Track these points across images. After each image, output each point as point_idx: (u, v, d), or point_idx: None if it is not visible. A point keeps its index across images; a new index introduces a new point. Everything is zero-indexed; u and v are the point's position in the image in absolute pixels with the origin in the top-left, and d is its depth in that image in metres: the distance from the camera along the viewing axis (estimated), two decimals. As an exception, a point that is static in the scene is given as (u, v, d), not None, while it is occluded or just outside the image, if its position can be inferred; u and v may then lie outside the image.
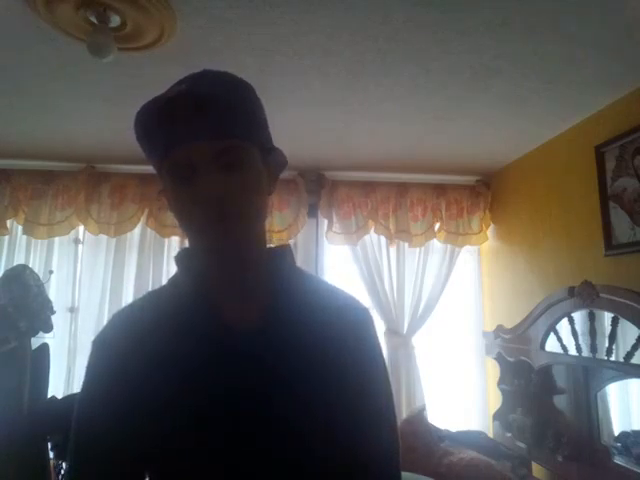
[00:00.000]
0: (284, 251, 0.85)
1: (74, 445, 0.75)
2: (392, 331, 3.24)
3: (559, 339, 2.36)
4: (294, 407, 0.73)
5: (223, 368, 0.72)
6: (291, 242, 3.23)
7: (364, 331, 0.84)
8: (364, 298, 3.15)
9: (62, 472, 2.48)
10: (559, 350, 2.34)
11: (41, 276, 2.81)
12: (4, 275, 2.69)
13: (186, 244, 0.83)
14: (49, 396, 2.60)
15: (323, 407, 0.75)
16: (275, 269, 0.81)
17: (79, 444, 0.75)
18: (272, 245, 0.86)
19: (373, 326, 0.86)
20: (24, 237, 3.16)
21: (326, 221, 3.33)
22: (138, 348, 0.74)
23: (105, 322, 0.81)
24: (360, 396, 0.79)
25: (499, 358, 2.89)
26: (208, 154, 0.70)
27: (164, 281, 3.06)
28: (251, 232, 0.76)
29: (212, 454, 0.71)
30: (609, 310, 2.06)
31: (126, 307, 0.83)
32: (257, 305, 0.77)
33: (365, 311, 0.87)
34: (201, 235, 0.74)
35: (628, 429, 2.18)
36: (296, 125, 2.56)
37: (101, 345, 0.78)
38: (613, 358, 2.03)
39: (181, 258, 0.83)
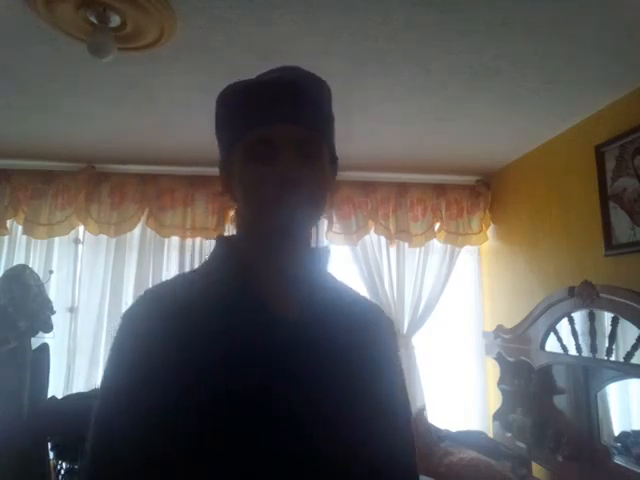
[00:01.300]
0: (327, 252, 0.86)
1: (104, 416, 0.71)
2: (392, 331, 3.24)
3: (559, 339, 2.36)
4: (335, 395, 0.73)
5: (268, 353, 0.71)
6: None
7: (391, 337, 0.89)
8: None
9: (62, 472, 2.48)
10: (559, 350, 2.34)
11: (41, 276, 2.81)
12: (4, 275, 2.69)
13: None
14: (49, 396, 2.60)
15: (358, 399, 0.76)
16: (315, 265, 0.83)
17: (110, 417, 0.70)
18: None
19: (395, 328, 0.92)
20: (24, 237, 3.16)
21: (326, 221, 3.34)
22: (174, 327, 0.70)
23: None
24: (387, 393, 0.81)
25: (499, 358, 2.89)
26: (292, 137, 0.73)
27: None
28: (311, 220, 0.79)
29: (257, 436, 0.68)
30: (609, 310, 2.06)
31: (158, 285, 0.81)
32: (298, 294, 0.78)
33: (391, 320, 0.92)
34: (267, 213, 0.74)
35: (628, 429, 2.18)
36: (296, 125, 2.56)
37: (134, 320, 0.73)
38: (613, 358, 2.03)
39: (223, 242, 0.83)
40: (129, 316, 0.74)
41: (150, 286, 0.81)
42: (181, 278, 0.83)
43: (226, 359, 0.69)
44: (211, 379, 0.68)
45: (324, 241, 3.34)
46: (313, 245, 0.86)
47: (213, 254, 0.83)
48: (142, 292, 0.79)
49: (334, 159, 0.84)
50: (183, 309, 0.72)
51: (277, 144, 0.73)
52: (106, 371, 0.72)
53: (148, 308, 0.74)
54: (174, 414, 0.66)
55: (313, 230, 0.85)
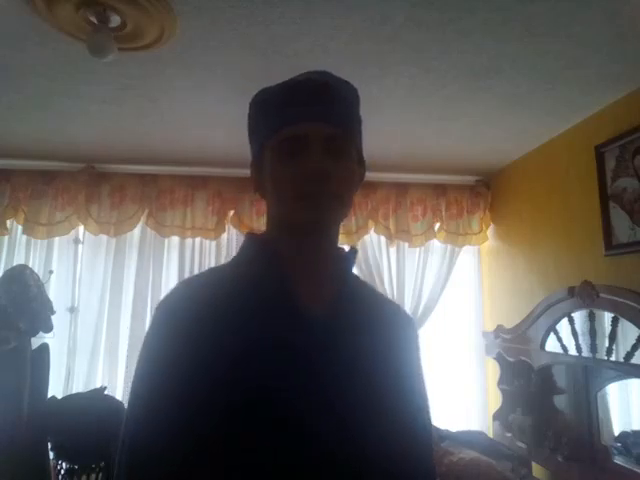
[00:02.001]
0: (354, 252, 0.88)
1: (140, 412, 0.71)
2: (392, 331, 3.24)
3: (559, 339, 2.36)
4: (354, 389, 0.74)
5: (299, 350, 0.73)
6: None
7: (414, 332, 0.91)
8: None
9: (62, 472, 2.48)
10: (559, 350, 2.34)
11: (41, 276, 2.82)
12: (4, 275, 2.69)
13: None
14: (49, 396, 2.60)
15: (383, 399, 0.77)
16: (343, 263, 0.85)
17: (144, 410, 0.71)
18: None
19: (417, 329, 0.94)
20: (24, 237, 3.16)
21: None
22: (209, 320, 0.72)
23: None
24: (409, 395, 0.83)
25: (499, 358, 2.89)
26: (320, 134, 0.76)
27: (164, 281, 3.07)
28: (338, 216, 0.81)
29: (288, 427, 0.70)
30: (609, 310, 2.06)
31: (191, 278, 0.85)
32: (326, 291, 0.80)
33: (414, 323, 0.95)
34: (292, 209, 0.77)
35: (628, 429, 2.18)
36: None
37: (169, 312, 0.75)
38: (613, 358, 2.03)
39: (254, 238, 0.86)
40: (163, 308, 0.76)
41: (186, 278, 0.86)
42: (214, 272, 0.86)
43: (258, 356, 0.70)
44: (243, 376, 0.69)
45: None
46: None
47: (243, 250, 0.86)
48: (184, 280, 0.84)
49: (361, 160, 0.86)
50: (216, 304, 0.74)
51: (306, 141, 0.76)
52: (139, 363, 0.74)
53: (183, 302, 0.75)
54: (207, 409, 0.68)
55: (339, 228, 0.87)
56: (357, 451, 0.72)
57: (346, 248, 0.88)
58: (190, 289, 0.79)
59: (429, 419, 0.87)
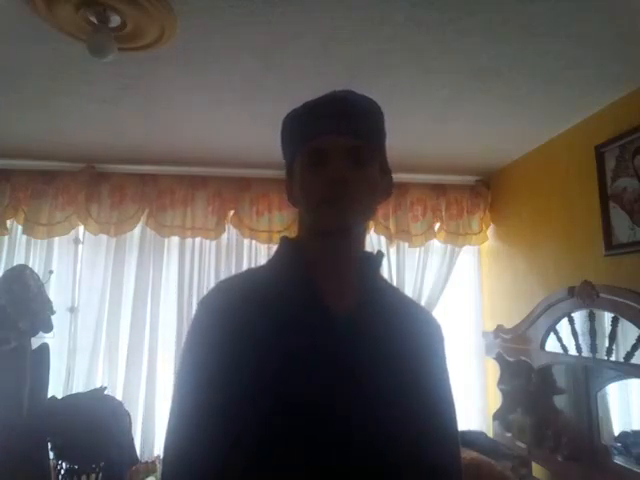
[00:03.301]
0: (380, 255, 0.93)
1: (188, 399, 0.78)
2: (392, 331, 3.24)
3: (559, 339, 2.36)
4: (380, 391, 0.78)
5: (324, 347, 0.78)
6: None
7: (440, 334, 0.94)
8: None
9: (62, 472, 2.48)
10: (559, 350, 2.34)
11: (41, 276, 2.82)
12: (4, 275, 2.69)
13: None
14: (49, 396, 2.60)
15: (406, 396, 0.80)
16: (370, 266, 0.90)
17: (187, 406, 0.78)
18: None
19: (443, 332, 0.97)
20: (24, 237, 3.16)
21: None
22: (247, 320, 0.79)
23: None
24: (435, 395, 0.87)
25: (499, 358, 2.89)
26: (343, 146, 0.84)
27: (164, 281, 3.06)
28: (361, 221, 0.88)
29: (316, 425, 0.75)
30: (609, 310, 2.06)
31: (231, 277, 0.93)
32: (353, 293, 0.85)
33: (439, 325, 0.97)
34: (318, 214, 0.84)
35: (628, 429, 2.18)
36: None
37: (211, 308, 0.83)
38: (613, 358, 2.03)
39: (286, 241, 0.92)
40: (206, 305, 0.84)
41: (226, 277, 0.94)
42: (251, 274, 0.95)
43: (291, 358, 0.76)
44: (276, 375, 0.75)
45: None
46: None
47: (277, 254, 0.93)
48: (217, 282, 0.91)
49: (386, 171, 0.94)
50: (253, 303, 0.81)
51: (328, 152, 0.83)
52: (182, 365, 0.82)
53: (222, 301, 0.84)
54: (245, 409, 0.75)
55: (367, 232, 0.94)
56: (391, 449, 0.77)
57: (377, 251, 0.94)
58: (229, 290, 0.86)
59: (455, 419, 0.90)
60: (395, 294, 0.96)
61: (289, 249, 0.91)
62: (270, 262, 0.93)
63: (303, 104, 0.91)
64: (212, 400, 0.76)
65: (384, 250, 3.33)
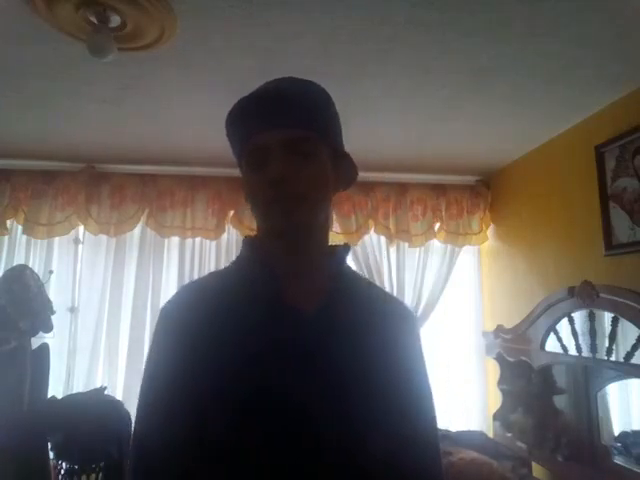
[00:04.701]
0: (346, 248, 0.91)
1: (148, 407, 0.78)
2: (392, 331, 3.23)
3: (559, 339, 2.36)
4: (348, 386, 0.76)
5: (290, 350, 0.75)
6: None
7: (412, 326, 0.91)
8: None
9: (62, 472, 2.48)
10: (559, 350, 2.34)
11: (41, 276, 2.82)
12: (4, 275, 2.69)
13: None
14: (49, 396, 2.60)
15: (376, 390, 0.78)
16: (335, 261, 0.87)
17: (150, 408, 0.78)
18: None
19: (417, 324, 0.94)
20: (24, 237, 3.16)
21: (326, 221, 3.33)
22: (207, 322, 0.77)
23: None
24: (410, 382, 0.84)
25: (499, 358, 2.89)
26: (280, 140, 0.79)
27: (164, 281, 3.07)
28: (310, 216, 0.81)
29: (278, 427, 0.73)
30: (609, 310, 2.06)
31: (192, 282, 0.91)
32: (318, 290, 0.82)
33: (411, 310, 0.96)
34: (266, 214, 0.81)
35: (628, 429, 2.18)
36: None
37: (171, 315, 0.82)
38: (613, 358, 2.03)
39: (247, 242, 0.90)
40: (166, 312, 0.82)
41: (187, 282, 0.92)
42: (213, 277, 0.91)
43: (252, 357, 0.74)
44: (238, 375, 0.74)
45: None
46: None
47: (240, 254, 0.90)
48: (186, 284, 0.90)
49: (340, 155, 0.88)
50: (213, 306, 0.79)
51: (268, 149, 0.79)
52: (145, 367, 0.80)
53: (183, 306, 0.82)
54: (208, 408, 0.74)
55: (327, 225, 0.88)
56: (358, 443, 0.74)
57: (341, 244, 0.90)
58: (190, 294, 0.85)
59: (432, 416, 0.87)
60: (365, 287, 0.92)
61: (251, 250, 0.88)
62: (234, 264, 0.90)
63: (238, 100, 0.85)
64: (172, 399, 0.75)
65: (384, 250, 3.33)
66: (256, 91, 0.84)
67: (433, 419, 0.87)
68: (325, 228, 0.88)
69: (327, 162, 0.83)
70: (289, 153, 0.78)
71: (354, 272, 0.93)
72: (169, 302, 0.84)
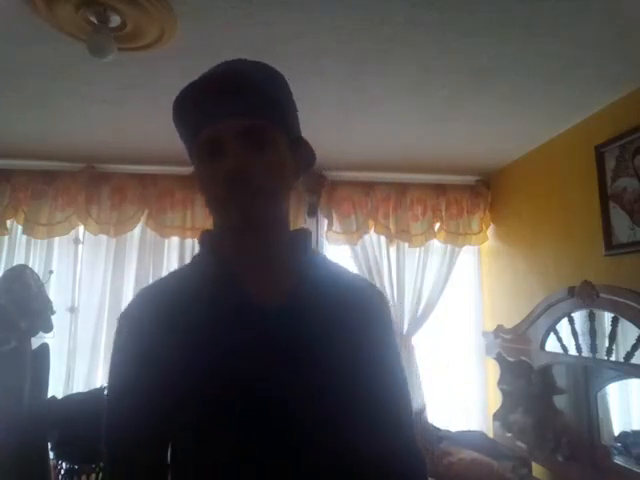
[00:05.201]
0: (306, 234, 0.87)
1: (112, 415, 0.78)
2: (392, 331, 3.23)
3: (559, 339, 2.36)
4: (318, 378, 0.75)
5: (251, 344, 0.73)
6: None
7: (381, 311, 0.88)
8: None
9: (62, 472, 2.48)
10: (559, 350, 2.34)
11: (41, 276, 2.82)
12: (4, 275, 2.69)
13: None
14: (49, 396, 2.60)
15: (346, 380, 0.76)
16: (298, 250, 0.83)
17: (116, 411, 0.78)
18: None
19: (388, 308, 0.90)
20: (24, 237, 3.16)
21: (326, 221, 3.34)
22: (166, 324, 0.74)
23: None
24: (380, 371, 0.82)
25: (499, 358, 2.88)
26: (234, 131, 0.73)
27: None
28: (270, 209, 0.78)
29: (243, 422, 0.72)
30: (609, 310, 2.06)
31: (151, 285, 0.86)
32: (282, 283, 0.79)
33: (381, 294, 0.92)
34: (222, 210, 0.77)
35: (628, 429, 2.18)
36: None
37: (129, 321, 0.79)
38: (613, 358, 2.03)
39: (205, 238, 0.85)
40: (125, 317, 0.79)
41: (146, 285, 0.87)
42: (171, 276, 0.87)
43: (214, 352, 0.72)
44: (200, 372, 0.72)
45: (323, 241, 3.34)
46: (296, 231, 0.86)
47: (199, 251, 0.86)
48: (144, 287, 0.86)
49: (299, 142, 0.83)
50: (173, 307, 0.76)
51: (221, 140, 0.74)
52: (109, 369, 0.79)
53: (142, 310, 0.79)
54: (171, 403, 0.73)
55: (288, 213, 0.85)
56: (330, 434, 0.74)
57: (301, 230, 0.87)
58: (148, 298, 0.81)
59: (405, 404, 0.86)
60: (334, 273, 0.88)
61: (209, 246, 0.84)
62: (193, 260, 0.87)
63: (187, 84, 0.77)
64: (136, 397, 0.75)
65: (384, 250, 3.33)
66: (206, 76, 0.78)
67: (405, 408, 0.85)
68: (286, 219, 0.84)
69: (285, 151, 0.78)
70: (244, 144, 0.73)
71: (322, 258, 0.90)
72: (129, 306, 0.81)
